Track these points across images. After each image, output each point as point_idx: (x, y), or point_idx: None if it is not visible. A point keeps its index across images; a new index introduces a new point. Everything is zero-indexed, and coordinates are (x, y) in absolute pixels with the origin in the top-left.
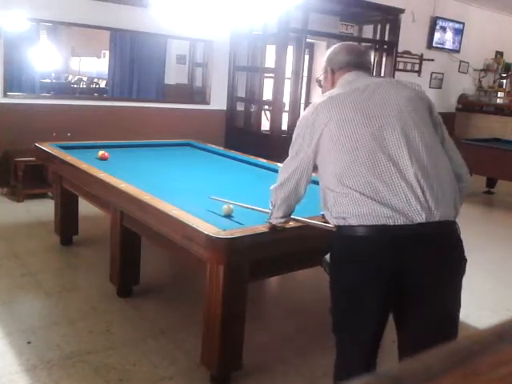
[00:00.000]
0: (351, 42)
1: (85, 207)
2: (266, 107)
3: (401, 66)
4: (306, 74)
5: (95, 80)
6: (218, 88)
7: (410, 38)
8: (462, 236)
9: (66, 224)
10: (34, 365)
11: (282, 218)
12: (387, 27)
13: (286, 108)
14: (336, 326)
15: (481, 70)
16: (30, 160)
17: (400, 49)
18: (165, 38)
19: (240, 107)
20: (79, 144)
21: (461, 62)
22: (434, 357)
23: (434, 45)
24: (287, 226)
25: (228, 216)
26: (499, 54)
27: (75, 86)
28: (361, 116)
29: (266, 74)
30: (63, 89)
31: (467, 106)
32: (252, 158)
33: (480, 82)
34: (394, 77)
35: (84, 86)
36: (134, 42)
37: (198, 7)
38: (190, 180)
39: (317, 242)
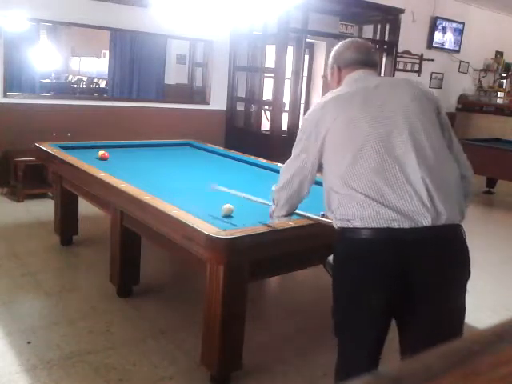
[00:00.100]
0: (358, 39)
1: (85, 207)
2: (266, 107)
3: (401, 66)
4: (306, 73)
5: (95, 80)
6: (218, 88)
7: (410, 38)
8: None
9: (66, 224)
10: (34, 365)
11: (284, 216)
12: (387, 27)
13: (286, 108)
14: (338, 326)
15: (481, 70)
16: (30, 160)
17: (400, 49)
18: (165, 37)
19: (240, 107)
20: (79, 144)
21: (461, 61)
22: (434, 357)
23: (433, 45)
24: (287, 226)
25: (228, 216)
26: (499, 53)
27: (75, 86)
28: (368, 116)
29: (266, 74)
30: (63, 89)
31: (467, 105)
32: (252, 158)
33: (480, 81)
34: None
35: (84, 86)
36: (134, 42)
37: (198, 7)
38: (190, 180)
39: (317, 242)
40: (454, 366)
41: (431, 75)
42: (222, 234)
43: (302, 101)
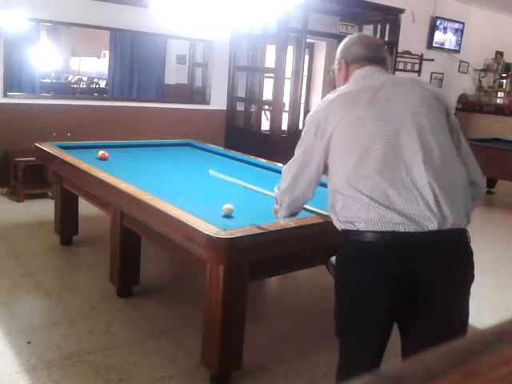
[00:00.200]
0: (366, 34)
1: (85, 207)
2: (266, 107)
3: (401, 66)
4: (306, 73)
5: (95, 80)
6: (218, 88)
7: (410, 37)
8: None
9: (66, 224)
10: (34, 365)
11: (288, 216)
12: (387, 27)
13: (286, 108)
14: (340, 328)
15: (481, 70)
16: (30, 160)
17: (400, 49)
18: (165, 37)
19: (240, 107)
20: (79, 144)
21: (461, 61)
22: (434, 357)
23: (433, 45)
24: (287, 226)
25: (228, 216)
26: (499, 53)
27: (75, 86)
28: (374, 115)
29: (265, 74)
30: (63, 89)
31: (467, 105)
32: (252, 158)
33: (480, 82)
34: None
35: (84, 86)
36: (134, 42)
37: (198, 7)
38: (190, 180)
39: (317, 242)
40: (454, 366)
41: (431, 75)
42: (222, 234)
43: (302, 101)
